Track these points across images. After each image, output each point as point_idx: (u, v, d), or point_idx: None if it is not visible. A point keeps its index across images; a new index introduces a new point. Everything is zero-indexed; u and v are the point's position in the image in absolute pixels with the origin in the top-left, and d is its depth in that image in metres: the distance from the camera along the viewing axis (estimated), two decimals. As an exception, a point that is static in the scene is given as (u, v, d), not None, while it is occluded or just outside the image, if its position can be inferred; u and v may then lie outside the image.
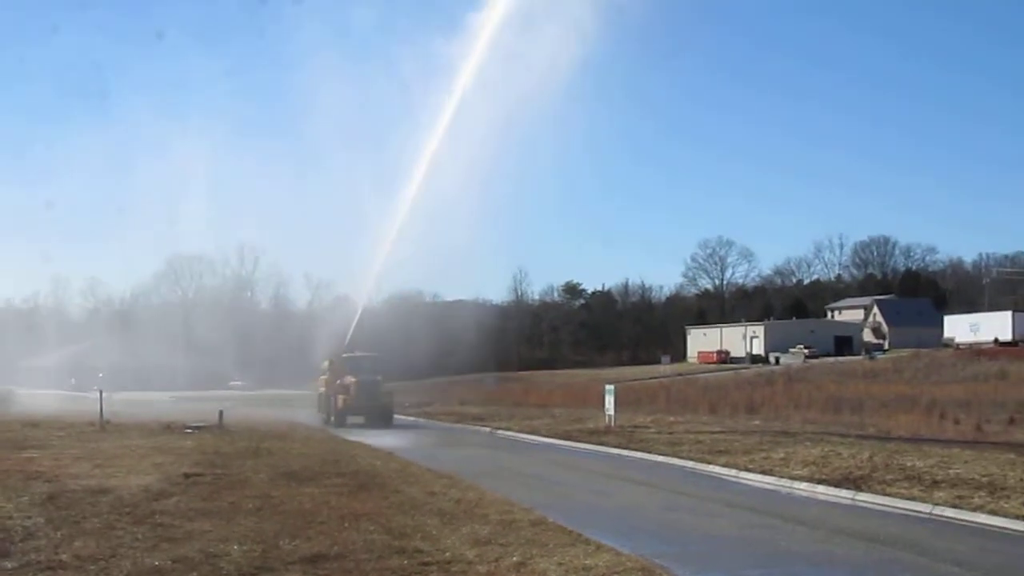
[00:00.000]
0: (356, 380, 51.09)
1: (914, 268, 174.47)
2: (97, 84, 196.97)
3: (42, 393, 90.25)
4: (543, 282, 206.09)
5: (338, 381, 52.61)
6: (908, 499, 20.42)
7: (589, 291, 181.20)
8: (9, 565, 12.88)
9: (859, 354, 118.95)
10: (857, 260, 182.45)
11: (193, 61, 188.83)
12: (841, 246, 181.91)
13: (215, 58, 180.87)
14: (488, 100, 57.14)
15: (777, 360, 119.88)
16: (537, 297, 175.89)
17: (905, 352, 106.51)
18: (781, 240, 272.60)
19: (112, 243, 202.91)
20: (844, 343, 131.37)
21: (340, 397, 51.43)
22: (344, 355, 55.31)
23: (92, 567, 12.83)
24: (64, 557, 13.42)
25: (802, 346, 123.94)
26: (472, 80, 55.10)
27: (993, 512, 18.42)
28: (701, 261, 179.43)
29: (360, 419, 50.77)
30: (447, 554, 14.14)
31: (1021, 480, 21.85)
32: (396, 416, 53.81)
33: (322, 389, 56.47)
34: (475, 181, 58.93)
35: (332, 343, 59.94)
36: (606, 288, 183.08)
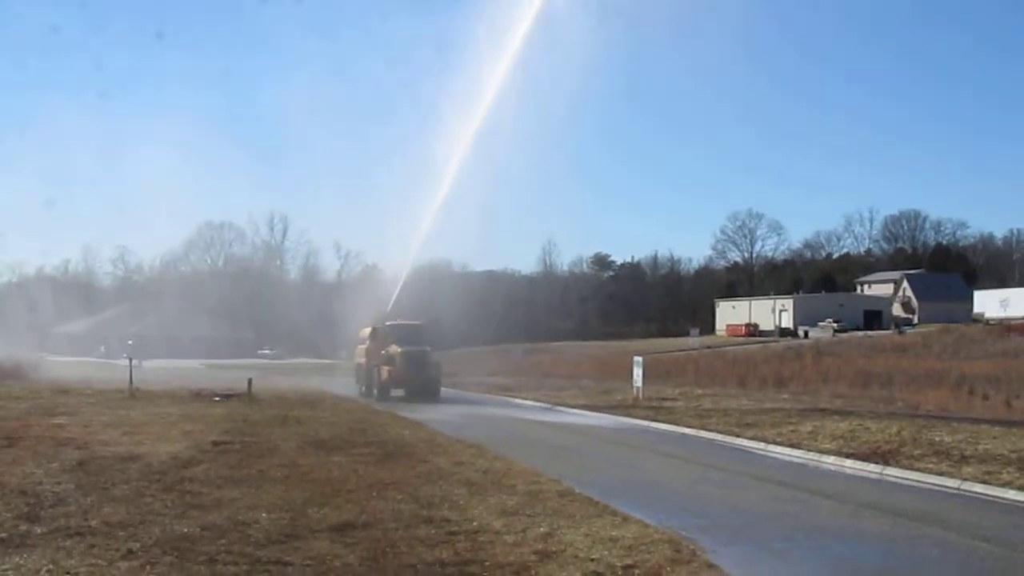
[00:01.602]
0: (402, 350, 47.11)
1: (944, 243, 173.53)
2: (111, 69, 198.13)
3: (72, 360, 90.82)
4: (572, 253, 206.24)
5: (382, 351, 48.02)
6: (936, 474, 20.35)
7: (618, 263, 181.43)
8: (39, 530, 12.97)
9: (888, 328, 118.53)
10: (887, 234, 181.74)
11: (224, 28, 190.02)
12: (871, 220, 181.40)
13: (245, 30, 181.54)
14: (525, 78, 55.62)
15: (806, 334, 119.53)
16: (566, 268, 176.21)
17: (934, 327, 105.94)
18: (811, 213, 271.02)
19: (141, 212, 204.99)
20: (873, 317, 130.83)
21: (384, 368, 47.02)
22: (387, 323, 50.77)
23: (121, 533, 12.91)
24: (93, 523, 13.51)
25: (831, 320, 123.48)
26: (512, 60, 53.56)
27: (1022, 488, 18.33)
28: (730, 234, 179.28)
29: (400, 392, 47.41)
30: (474, 524, 14.18)
31: (1051, 456, 21.78)
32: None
33: (361, 360, 52.64)
34: (505, 154, 57.45)
35: (364, 312, 57.86)
36: (635, 260, 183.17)
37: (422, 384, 47.09)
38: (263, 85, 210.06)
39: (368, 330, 51.99)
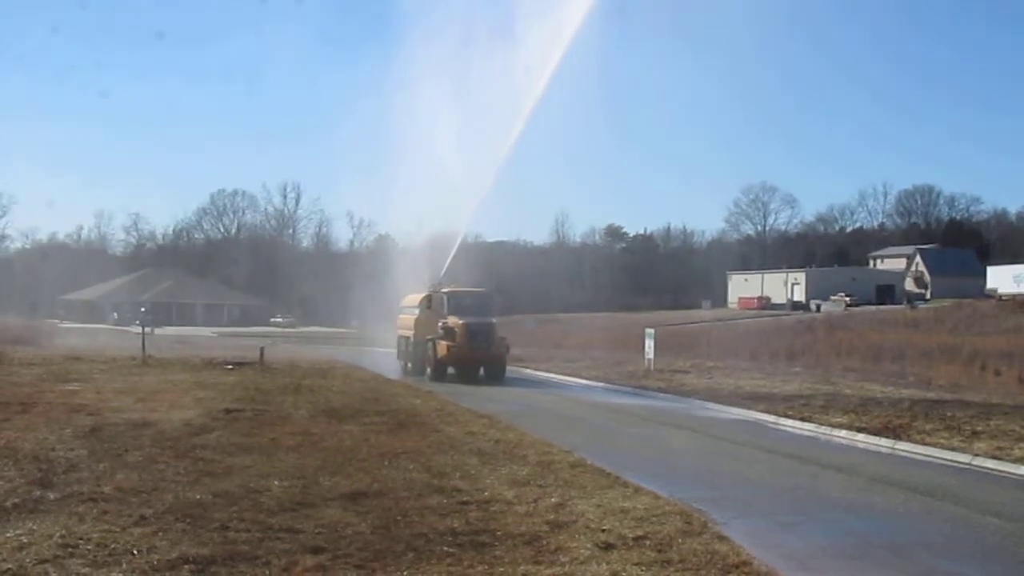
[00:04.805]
0: (464, 322, 40.55)
1: (958, 218, 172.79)
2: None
3: (84, 327, 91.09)
4: (585, 224, 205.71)
5: (440, 323, 41.42)
6: (948, 449, 20.38)
7: (631, 234, 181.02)
8: (52, 496, 12.99)
9: (900, 303, 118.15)
10: (901, 209, 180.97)
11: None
12: (885, 194, 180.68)
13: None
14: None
15: (818, 307, 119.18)
16: (579, 239, 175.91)
17: (947, 302, 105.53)
18: (825, 187, 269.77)
19: (155, 179, 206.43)
20: (886, 292, 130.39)
21: (443, 344, 40.43)
22: (444, 290, 43.70)
23: (134, 500, 12.94)
24: (106, 489, 13.53)
25: (843, 294, 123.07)
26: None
27: (1034, 464, 18.35)
28: (744, 206, 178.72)
29: (450, 371, 41.37)
30: (486, 494, 14.20)
31: (1063, 432, 21.76)
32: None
33: (407, 332, 45.78)
34: (524, 125, 54.81)
35: (387, 281, 55.70)
36: (648, 232, 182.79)
37: (486, 363, 41.41)
38: (279, 65, 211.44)
39: (418, 297, 45.35)
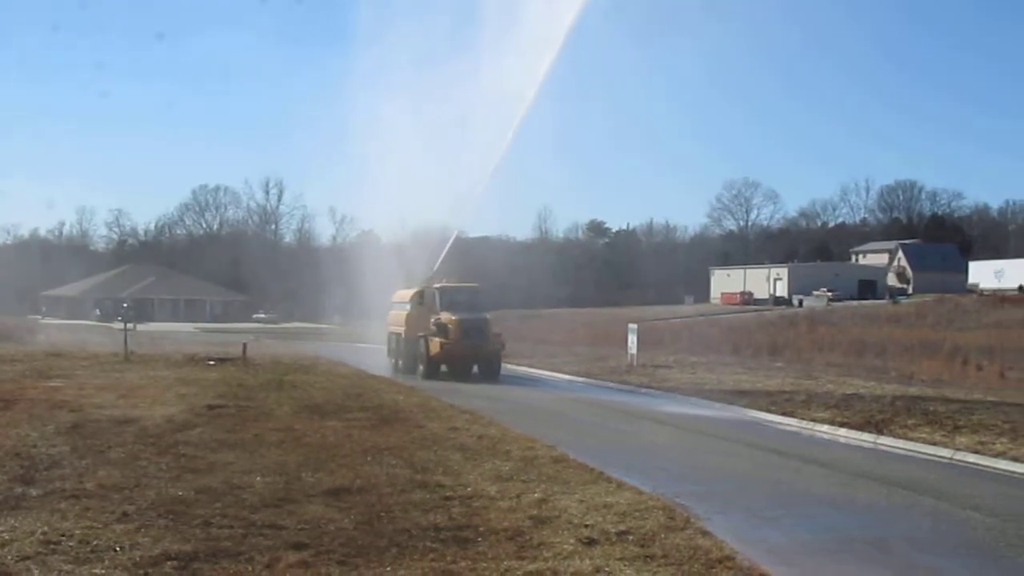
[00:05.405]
0: (457, 318, 39.42)
1: (940, 213, 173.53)
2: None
3: (67, 323, 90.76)
4: (568, 220, 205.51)
5: (431, 319, 40.34)
6: (930, 444, 20.46)
7: (613, 230, 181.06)
8: (34, 493, 12.94)
9: (883, 298, 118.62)
10: (883, 204, 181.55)
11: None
12: (867, 189, 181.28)
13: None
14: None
15: (800, 303, 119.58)
16: (561, 235, 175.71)
17: (929, 297, 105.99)
18: (807, 182, 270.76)
19: (137, 175, 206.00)
20: (868, 287, 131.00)
21: (435, 340, 39.39)
22: (436, 285, 42.55)
23: (116, 496, 12.89)
24: (88, 486, 13.48)
25: (826, 289, 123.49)
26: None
27: (1015, 458, 18.45)
28: (726, 202, 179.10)
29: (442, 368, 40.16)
30: (469, 489, 14.18)
31: (1044, 427, 21.84)
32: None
33: (398, 329, 44.27)
34: (519, 125, 53.33)
35: (369, 277, 54.09)
36: (630, 227, 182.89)
37: (481, 360, 40.28)
38: (262, 61, 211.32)
39: (410, 292, 44.20)
